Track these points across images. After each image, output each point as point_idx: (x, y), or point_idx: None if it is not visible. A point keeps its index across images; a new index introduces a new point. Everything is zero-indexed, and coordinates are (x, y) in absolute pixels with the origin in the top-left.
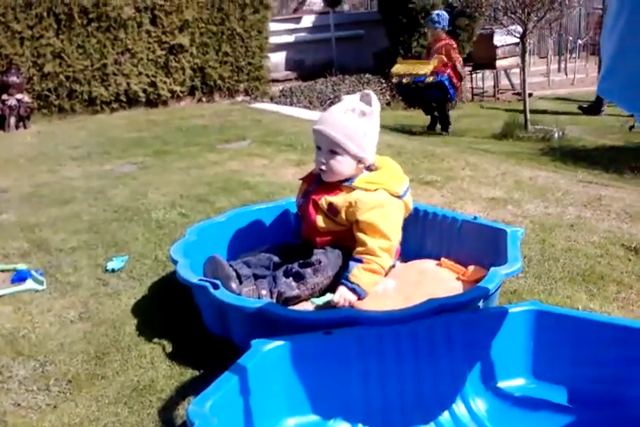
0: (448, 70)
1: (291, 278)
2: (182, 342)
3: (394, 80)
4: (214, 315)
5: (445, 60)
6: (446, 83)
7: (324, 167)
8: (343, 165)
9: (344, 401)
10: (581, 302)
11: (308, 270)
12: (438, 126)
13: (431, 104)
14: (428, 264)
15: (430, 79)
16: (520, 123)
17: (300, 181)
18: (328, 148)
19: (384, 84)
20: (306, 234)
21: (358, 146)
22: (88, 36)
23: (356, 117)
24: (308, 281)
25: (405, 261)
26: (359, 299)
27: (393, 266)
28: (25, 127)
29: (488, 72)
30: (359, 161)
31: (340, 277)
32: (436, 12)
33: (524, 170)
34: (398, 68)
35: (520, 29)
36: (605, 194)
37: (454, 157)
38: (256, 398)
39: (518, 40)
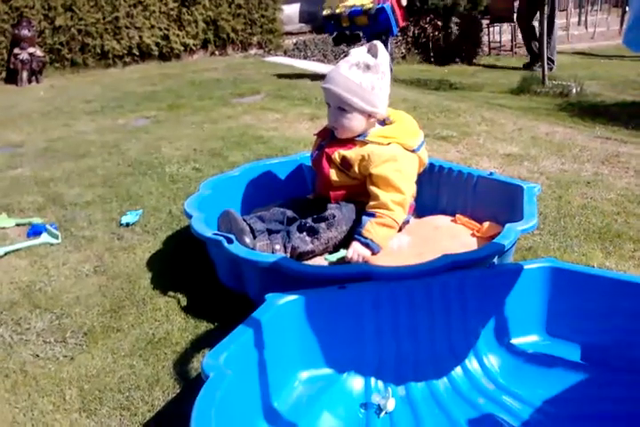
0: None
1: (305, 233)
2: (197, 295)
3: (323, 13)
4: (228, 269)
5: None
6: (389, 11)
7: (335, 125)
8: (352, 122)
9: (357, 355)
10: (597, 260)
11: (322, 225)
12: None
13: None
14: (443, 220)
15: (369, 6)
16: (538, 78)
17: (315, 136)
18: (336, 105)
19: (399, 37)
20: (319, 188)
21: (366, 101)
22: None
23: (360, 73)
24: (322, 236)
25: (420, 217)
26: (373, 254)
27: (407, 222)
28: (38, 82)
29: (506, 25)
30: (370, 116)
31: (354, 232)
32: None
33: (541, 126)
34: (330, 2)
35: None
36: (624, 151)
37: (470, 113)
38: (270, 352)
39: None
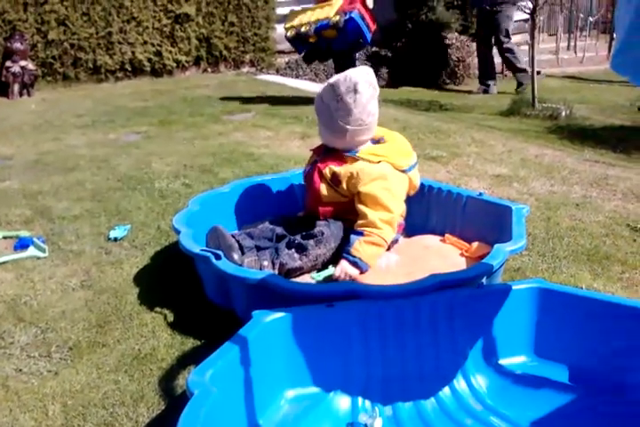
0: (357, 5)
1: (293, 250)
2: (184, 311)
3: (288, 35)
4: (216, 285)
5: None
6: (358, 20)
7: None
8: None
9: (344, 374)
10: (585, 282)
11: (311, 242)
12: None
13: (339, 61)
14: (432, 240)
15: (336, 19)
16: (527, 100)
17: (311, 152)
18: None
19: (390, 57)
20: (309, 204)
21: (342, 118)
22: (93, 4)
23: (341, 91)
24: (311, 253)
25: (409, 237)
26: (361, 272)
27: (396, 241)
28: (29, 95)
29: (496, 49)
30: (349, 131)
31: (342, 250)
32: None
33: (531, 148)
34: (291, 21)
35: (530, 5)
36: (612, 173)
37: (460, 133)
38: (256, 369)
39: (528, 16)
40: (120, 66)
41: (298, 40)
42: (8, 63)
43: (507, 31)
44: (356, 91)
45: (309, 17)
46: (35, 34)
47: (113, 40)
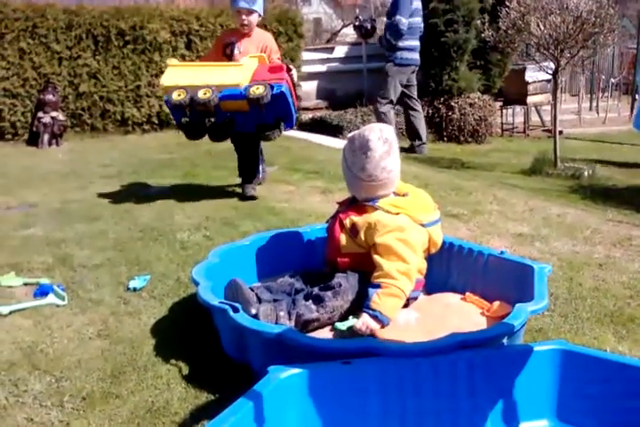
0: (285, 76)
1: (310, 301)
2: (200, 364)
3: (175, 98)
4: (233, 339)
5: (267, 60)
6: (289, 97)
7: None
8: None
9: None
10: (609, 344)
11: (328, 293)
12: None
13: (241, 140)
14: (453, 298)
15: (259, 91)
16: (550, 159)
17: (337, 205)
18: None
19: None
20: (328, 255)
21: (357, 168)
22: (124, 58)
23: (356, 146)
24: (328, 304)
25: (429, 294)
26: (382, 326)
27: (416, 298)
28: (57, 144)
29: (519, 108)
30: (364, 180)
31: (361, 301)
32: None
33: (553, 207)
34: (174, 75)
35: (552, 66)
36: (636, 234)
37: (482, 191)
38: None
39: (550, 77)
40: (147, 118)
41: (186, 108)
42: (40, 114)
43: (382, 91)
44: (368, 148)
45: (206, 78)
46: (67, 86)
47: (141, 93)
